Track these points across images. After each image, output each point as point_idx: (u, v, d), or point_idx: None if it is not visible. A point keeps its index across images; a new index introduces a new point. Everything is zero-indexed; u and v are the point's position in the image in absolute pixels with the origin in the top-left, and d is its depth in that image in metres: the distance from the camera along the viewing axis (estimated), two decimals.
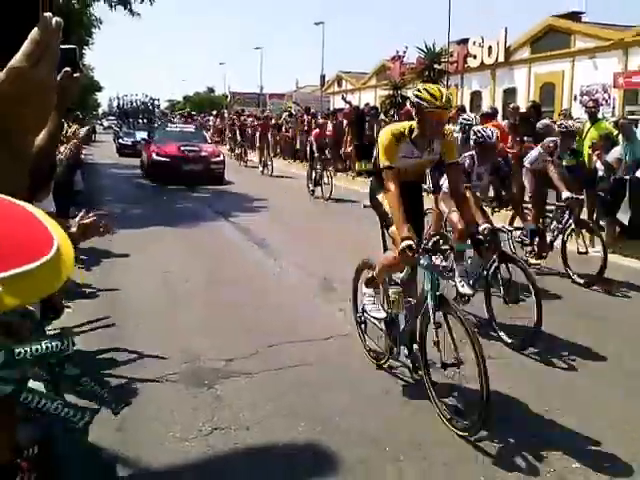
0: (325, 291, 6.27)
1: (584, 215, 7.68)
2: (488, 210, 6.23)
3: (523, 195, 7.31)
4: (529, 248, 6.89)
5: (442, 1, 24.64)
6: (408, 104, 3.86)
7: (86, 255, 6.96)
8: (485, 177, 5.76)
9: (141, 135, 23.48)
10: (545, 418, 3.62)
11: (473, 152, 5.59)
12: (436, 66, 21.08)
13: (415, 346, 3.77)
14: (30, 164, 1.07)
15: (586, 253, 6.81)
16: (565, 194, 6.48)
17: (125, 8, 20.16)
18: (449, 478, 3.04)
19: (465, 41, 30.31)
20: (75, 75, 1.28)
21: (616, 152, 8.43)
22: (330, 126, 17.36)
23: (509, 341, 4.73)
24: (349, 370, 4.29)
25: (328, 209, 12.58)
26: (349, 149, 16.50)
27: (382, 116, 17.18)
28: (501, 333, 4.84)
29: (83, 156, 11.52)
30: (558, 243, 6.92)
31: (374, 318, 4.13)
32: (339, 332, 4.99)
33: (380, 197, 3.92)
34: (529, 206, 7.15)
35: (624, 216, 7.87)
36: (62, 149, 6.33)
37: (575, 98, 24.92)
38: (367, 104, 21.80)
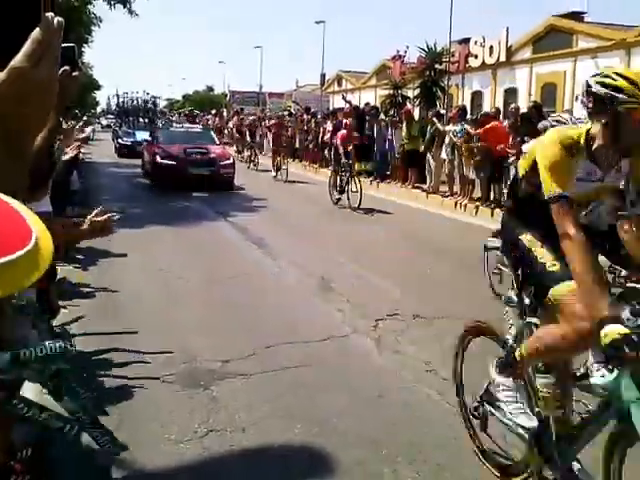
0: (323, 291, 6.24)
1: None
2: None
3: None
4: None
5: (443, 1, 24.56)
6: (580, 100, 2.65)
7: (84, 255, 6.95)
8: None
9: (142, 135, 21.89)
10: None
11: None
12: (437, 66, 20.99)
13: (577, 464, 2.57)
14: (30, 164, 1.07)
15: None
16: None
17: (124, 7, 20.18)
18: None
19: (466, 41, 30.24)
20: (74, 74, 1.26)
21: None
22: (330, 126, 17.25)
23: None
24: (347, 371, 4.27)
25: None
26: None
27: (382, 116, 17.14)
28: None
29: (81, 155, 11.51)
30: None
31: (520, 427, 2.74)
32: (337, 333, 4.97)
33: (526, 238, 2.67)
34: None
35: None
36: (68, 149, 6.32)
37: (577, 98, 24.81)
38: (367, 104, 21.76)
